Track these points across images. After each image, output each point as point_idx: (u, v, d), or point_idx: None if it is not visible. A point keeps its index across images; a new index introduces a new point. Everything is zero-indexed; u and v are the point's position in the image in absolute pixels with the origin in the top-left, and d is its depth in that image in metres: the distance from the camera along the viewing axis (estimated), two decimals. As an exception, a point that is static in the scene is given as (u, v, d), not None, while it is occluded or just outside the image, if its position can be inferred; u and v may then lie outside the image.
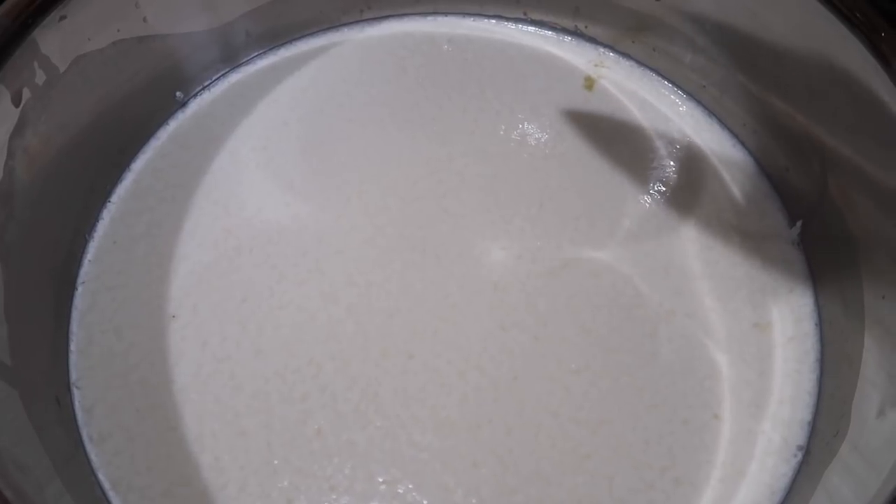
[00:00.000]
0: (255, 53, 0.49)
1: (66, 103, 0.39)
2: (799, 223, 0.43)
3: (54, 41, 0.36)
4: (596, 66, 0.50)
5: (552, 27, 0.50)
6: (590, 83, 0.50)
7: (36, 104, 0.36)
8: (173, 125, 0.47)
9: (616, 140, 0.47)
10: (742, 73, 0.45)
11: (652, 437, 0.37)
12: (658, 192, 0.45)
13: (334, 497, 0.35)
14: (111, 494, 0.35)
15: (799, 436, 0.37)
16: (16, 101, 0.35)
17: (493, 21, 0.51)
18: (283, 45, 0.50)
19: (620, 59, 0.50)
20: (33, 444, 0.32)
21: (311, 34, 0.50)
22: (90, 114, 0.41)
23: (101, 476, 0.35)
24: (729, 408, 0.38)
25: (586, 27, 0.50)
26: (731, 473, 0.36)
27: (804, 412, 0.37)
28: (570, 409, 0.37)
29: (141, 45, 0.42)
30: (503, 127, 0.47)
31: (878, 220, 0.37)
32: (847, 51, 0.36)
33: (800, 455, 0.36)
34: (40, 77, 0.36)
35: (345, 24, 0.50)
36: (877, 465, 0.28)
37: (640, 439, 0.37)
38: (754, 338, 0.40)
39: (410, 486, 0.35)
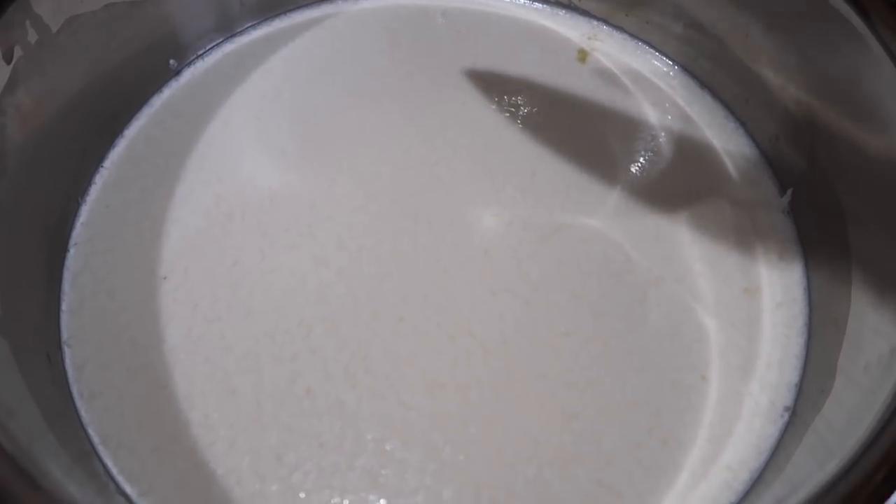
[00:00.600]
0: (250, 24, 0.49)
1: (58, 65, 0.39)
2: (789, 191, 0.43)
3: (47, 1, 0.36)
4: (589, 38, 0.50)
5: (546, 0, 0.51)
6: (583, 56, 0.50)
7: (28, 63, 0.36)
8: (167, 93, 0.47)
9: (609, 111, 0.47)
10: (734, 44, 0.45)
11: (640, 398, 0.37)
12: (649, 161, 0.45)
13: (323, 454, 0.35)
14: (101, 450, 0.35)
15: (786, 397, 0.37)
16: (7, 58, 0.35)
17: (488, -7, 0.51)
18: (277, 15, 0.50)
19: (614, 32, 0.50)
20: (25, 397, 0.32)
21: (306, 5, 0.50)
22: (83, 77, 0.41)
23: (91, 432, 0.36)
24: (717, 370, 0.38)
25: (580, 0, 0.50)
26: (718, 434, 0.36)
27: (791, 375, 0.38)
28: (560, 372, 0.38)
29: (134, 10, 0.42)
30: (496, 98, 0.47)
31: (865, 187, 0.38)
32: (838, 18, 0.36)
33: (786, 416, 0.36)
34: (32, 36, 0.36)
35: (339, -4, 0.51)
36: (857, 415, 0.29)
37: (629, 400, 0.37)
38: (743, 303, 0.40)
39: (398, 444, 0.35)
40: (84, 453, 0.34)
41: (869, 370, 0.31)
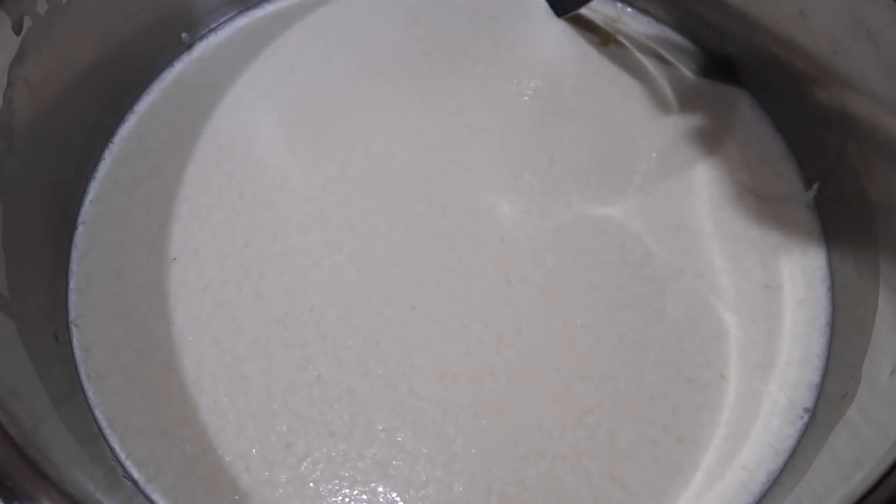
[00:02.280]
0: (264, -3, 0.48)
1: (68, 37, 0.38)
2: (815, 185, 0.42)
3: (57, -31, 0.35)
4: (613, 21, 0.49)
5: (570, -20, 0.49)
6: (606, 40, 0.48)
7: (37, 34, 0.35)
8: (178, 68, 0.46)
9: (630, 97, 0.46)
10: (763, 31, 0.44)
11: (656, 394, 0.36)
12: (671, 150, 0.44)
13: (333, 443, 0.35)
14: (108, 433, 0.35)
15: (806, 398, 0.36)
16: (16, 28, 0.34)
17: (510, -28, 0.49)
18: (292, -11, 0.49)
19: (638, 14, 0.49)
20: (31, 377, 0.32)
21: (322, -21, 0.49)
22: (93, 50, 0.40)
23: (98, 414, 0.35)
24: (735, 368, 0.37)
25: (605, -19, 0.49)
26: (735, 433, 0.36)
27: (812, 375, 0.37)
28: (575, 365, 0.37)
29: (146, -19, 0.41)
30: (515, 80, 0.46)
31: (894, 186, 0.36)
32: (875, 4, 0.35)
33: (806, 417, 0.36)
34: (42, 6, 0.35)
35: (356, -30, 0.49)
36: (885, 427, 0.28)
37: (644, 396, 0.36)
38: (764, 299, 0.39)
39: (410, 435, 0.35)
40: (91, 436, 0.34)
41: (895, 377, 0.30)
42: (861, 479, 0.24)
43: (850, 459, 0.28)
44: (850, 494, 0.24)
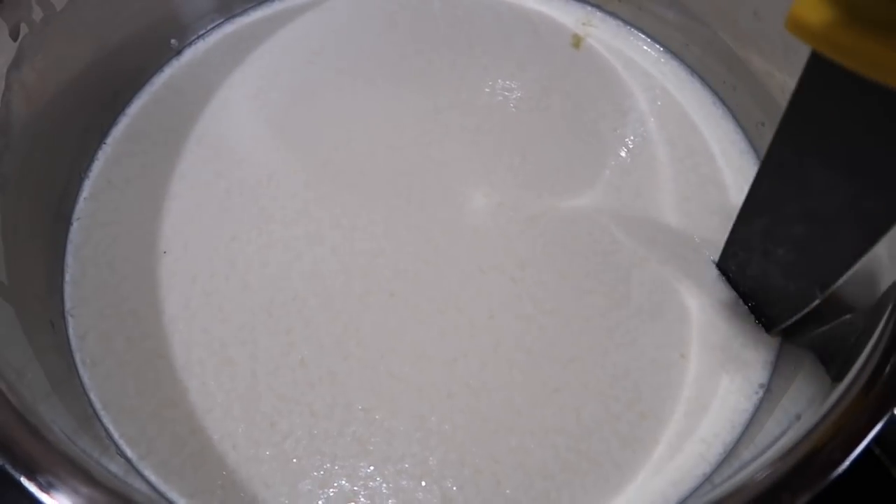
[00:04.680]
0: (250, 5, 0.51)
1: (62, 43, 0.40)
2: (773, 177, 0.44)
3: (51, -21, 0.37)
4: (584, 24, 0.51)
5: (541, -14, 0.51)
6: (577, 41, 0.51)
7: (33, 40, 0.37)
8: (168, 72, 0.48)
9: (600, 96, 0.48)
10: (723, 30, 0.46)
11: (620, 373, 0.38)
12: (638, 146, 0.46)
13: (314, 421, 0.37)
14: (102, 414, 0.37)
15: (761, 375, 0.38)
16: (14, 34, 0.36)
17: (484, -22, 0.52)
18: (276, -3, 0.51)
19: (608, 18, 0.51)
20: (30, 361, 0.34)
21: (305, -13, 0.51)
22: (86, 56, 0.42)
23: (92, 397, 0.37)
24: (696, 349, 0.39)
25: (574, -14, 0.51)
26: (695, 408, 0.38)
27: (768, 354, 0.39)
28: (543, 347, 0.39)
29: (136, -10, 0.43)
30: (490, 82, 0.49)
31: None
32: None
33: (761, 392, 0.38)
34: (37, 14, 0.37)
35: (337, -22, 0.51)
36: (822, 389, 0.30)
37: (609, 375, 0.38)
38: (724, 286, 0.41)
39: (387, 413, 0.37)
40: (87, 417, 0.36)
41: (834, 349, 0.32)
42: (793, 434, 0.26)
43: (788, 421, 0.30)
44: (783, 448, 0.26)
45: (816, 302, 0.30)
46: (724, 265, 0.39)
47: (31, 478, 0.24)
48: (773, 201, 0.31)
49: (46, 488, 0.24)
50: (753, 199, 0.33)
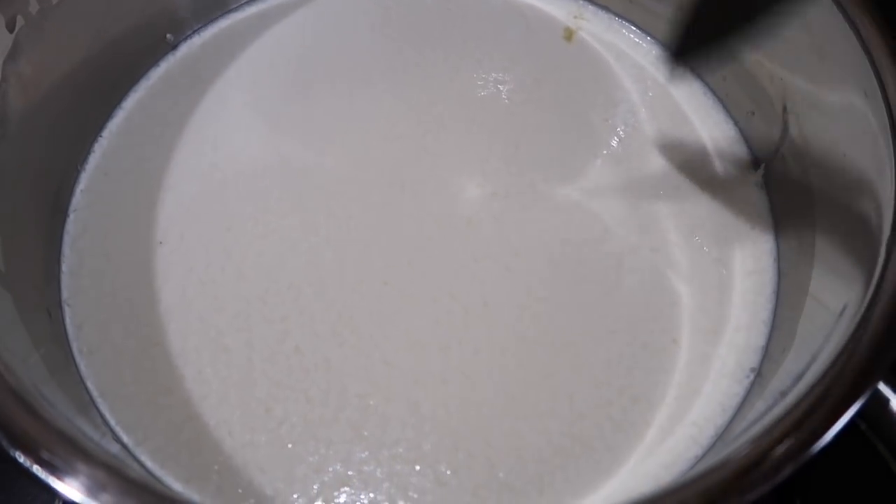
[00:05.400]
0: (244, 1, 0.51)
1: (59, 36, 0.40)
2: (762, 166, 0.44)
3: (48, -28, 0.38)
4: (575, 17, 0.52)
5: (534, -21, 0.52)
6: (569, 34, 0.51)
7: (29, 32, 0.38)
8: (164, 67, 0.49)
9: (592, 88, 0.49)
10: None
11: (612, 358, 0.39)
12: (630, 136, 0.47)
13: (310, 408, 0.37)
14: (99, 401, 0.37)
15: (752, 359, 0.39)
16: (10, 26, 0.36)
17: (476, -28, 0.52)
18: (271, -8, 0.51)
19: (599, 11, 0.52)
20: (29, 349, 0.34)
21: (299, -17, 0.52)
22: (83, 49, 0.43)
23: (89, 385, 0.37)
24: (687, 334, 0.40)
25: (566, -21, 0.51)
26: (686, 393, 0.38)
27: (758, 338, 0.39)
28: (536, 333, 0.39)
29: (132, -16, 0.44)
30: (483, 74, 0.49)
31: (830, 163, 0.39)
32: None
33: (752, 376, 0.38)
34: (33, 6, 0.38)
35: (332, -27, 0.52)
36: (807, 368, 0.30)
37: (601, 360, 0.39)
38: (715, 271, 0.42)
39: (381, 400, 0.37)
40: (84, 404, 0.36)
41: (822, 329, 0.32)
42: (778, 410, 0.27)
43: (773, 399, 0.31)
44: (767, 423, 0.26)
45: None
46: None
47: (34, 459, 0.24)
48: None
49: (49, 469, 0.24)
50: None
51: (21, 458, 0.24)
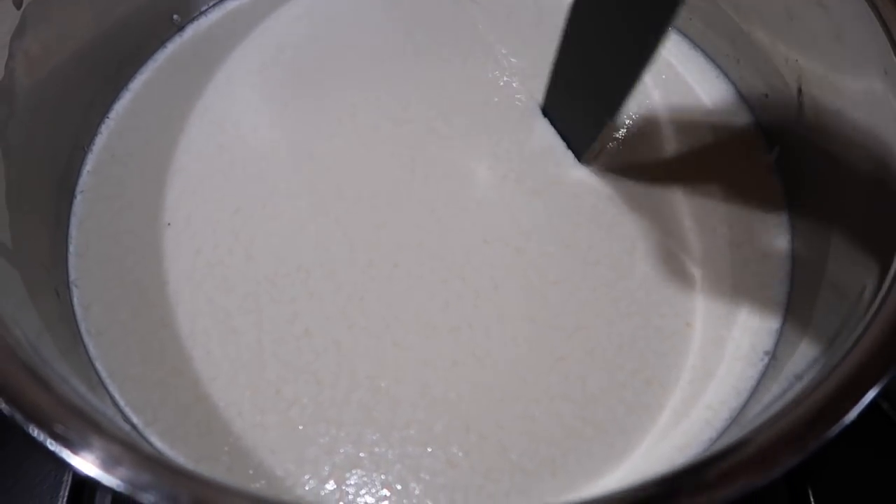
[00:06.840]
0: (252, -19, 0.50)
1: (65, 14, 0.40)
2: (776, 149, 0.44)
3: (55, -52, 0.37)
4: (587, 1, 0.51)
5: (544, -39, 0.51)
6: (580, 17, 0.50)
7: (37, 9, 0.37)
8: (171, 48, 0.48)
9: (603, 71, 0.48)
10: (725, 4, 0.46)
11: (625, 342, 0.38)
12: (642, 119, 0.46)
13: (320, 389, 0.37)
14: (108, 382, 0.37)
15: (767, 342, 0.38)
16: (17, 3, 0.36)
17: (487, -46, 0.52)
18: (279, -27, 0.51)
19: (610, -6, 0.51)
20: (39, 328, 0.34)
21: (308, -36, 0.51)
22: (90, 28, 0.42)
23: (98, 366, 0.37)
24: (701, 317, 0.39)
25: (577, -39, 0.51)
26: (700, 376, 0.38)
27: (773, 321, 0.39)
28: (548, 317, 0.39)
29: (139, -37, 0.43)
30: (494, 57, 0.48)
31: (844, 145, 0.39)
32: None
33: (766, 359, 0.38)
34: (40, -18, 0.37)
35: (341, -46, 0.51)
36: (824, 353, 0.30)
37: (614, 344, 0.38)
38: (729, 254, 0.41)
39: (392, 381, 0.37)
40: (92, 385, 0.36)
41: (840, 312, 0.32)
42: (792, 394, 0.26)
43: (789, 384, 0.30)
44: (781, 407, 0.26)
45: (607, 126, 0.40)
46: (546, 108, 0.45)
47: (48, 433, 0.24)
48: (573, 48, 0.41)
49: (64, 443, 0.24)
50: (561, 49, 0.41)
51: (35, 433, 0.23)
